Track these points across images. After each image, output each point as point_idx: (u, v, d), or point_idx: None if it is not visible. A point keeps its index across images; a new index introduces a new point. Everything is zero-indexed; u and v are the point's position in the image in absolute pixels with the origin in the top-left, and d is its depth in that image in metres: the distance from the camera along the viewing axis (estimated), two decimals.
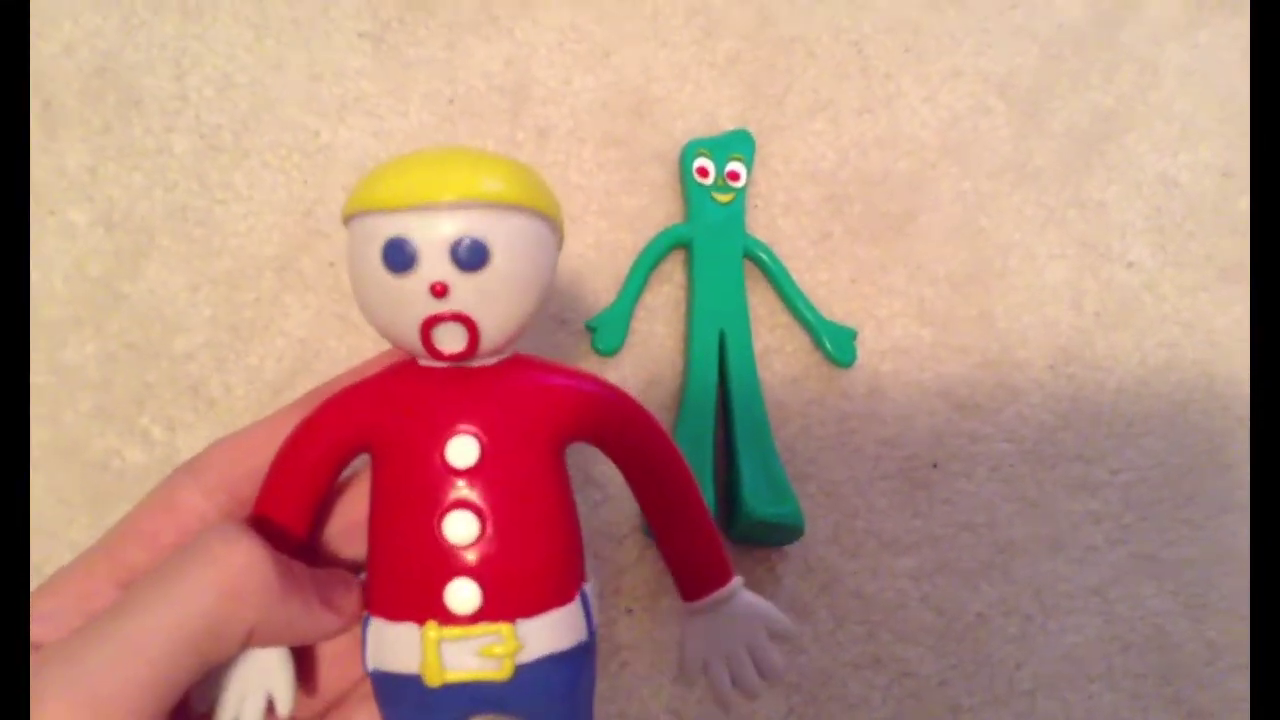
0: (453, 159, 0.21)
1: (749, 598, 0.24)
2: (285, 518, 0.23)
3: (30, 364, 0.37)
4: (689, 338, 0.41)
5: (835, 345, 0.42)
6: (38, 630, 0.21)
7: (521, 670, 0.21)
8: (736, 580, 0.24)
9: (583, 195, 0.43)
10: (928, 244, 0.45)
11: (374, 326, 0.22)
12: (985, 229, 0.45)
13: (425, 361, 0.22)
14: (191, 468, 0.24)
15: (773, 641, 0.24)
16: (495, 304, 0.21)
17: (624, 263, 0.42)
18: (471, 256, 0.21)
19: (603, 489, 0.39)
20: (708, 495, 0.37)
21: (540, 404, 0.22)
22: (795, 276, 0.43)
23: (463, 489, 0.21)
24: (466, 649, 0.21)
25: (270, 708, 0.22)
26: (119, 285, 0.39)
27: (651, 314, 0.42)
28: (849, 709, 0.38)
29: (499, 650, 0.21)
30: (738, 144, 0.44)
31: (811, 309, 0.42)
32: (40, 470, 0.36)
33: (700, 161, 0.43)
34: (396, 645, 0.21)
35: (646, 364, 0.41)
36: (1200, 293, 0.46)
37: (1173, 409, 0.44)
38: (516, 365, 0.23)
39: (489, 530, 0.21)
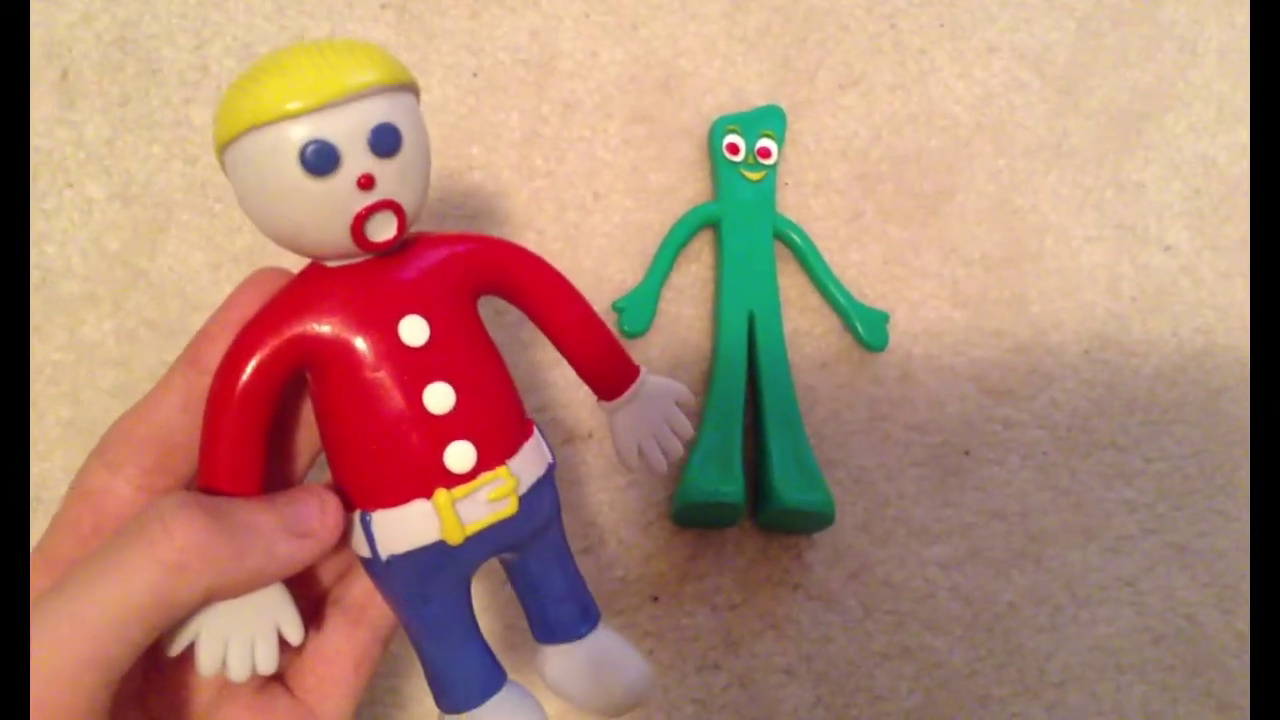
0: (333, 53, 0.21)
1: (654, 379, 0.27)
2: (238, 463, 0.22)
3: (49, 340, 0.37)
4: (717, 319, 0.40)
5: (867, 329, 0.41)
6: None
7: (522, 501, 0.23)
8: (644, 370, 0.27)
9: (609, 172, 0.42)
10: (961, 224, 0.44)
11: (284, 241, 0.22)
12: (1020, 209, 0.44)
13: (335, 262, 0.22)
14: (97, 450, 0.24)
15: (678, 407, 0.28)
16: (412, 184, 0.22)
17: (651, 242, 0.41)
18: (389, 142, 0.21)
19: (628, 475, 0.39)
20: (736, 481, 0.36)
21: (456, 271, 0.24)
22: (827, 257, 0.42)
23: (427, 364, 0.22)
24: (476, 501, 0.23)
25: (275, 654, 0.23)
26: (137, 261, 0.38)
27: (679, 294, 0.41)
28: (876, 699, 0.38)
29: (504, 490, 0.23)
30: (769, 120, 0.43)
31: (843, 291, 0.41)
32: (60, 448, 0.36)
33: (730, 138, 0.42)
34: (410, 524, 0.22)
35: (674, 346, 0.40)
36: (1236, 277, 0.45)
37: (1207, 396, 0.43)
38: (421, 243, 0.24)
39: (461, 393, 0.22)
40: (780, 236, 0.42)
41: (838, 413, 0.41)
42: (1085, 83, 0.47)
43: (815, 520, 0.37)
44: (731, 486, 0.36)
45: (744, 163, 0.42)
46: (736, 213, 0.41)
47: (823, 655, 0.38)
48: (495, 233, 0.41)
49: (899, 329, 0.42)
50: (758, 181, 0.42)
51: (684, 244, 0.41)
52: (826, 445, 0.40)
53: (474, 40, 0.43)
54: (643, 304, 0.40)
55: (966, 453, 0.41)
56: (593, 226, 0.41)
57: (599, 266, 0.41)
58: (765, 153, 0.42)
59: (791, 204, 0.43)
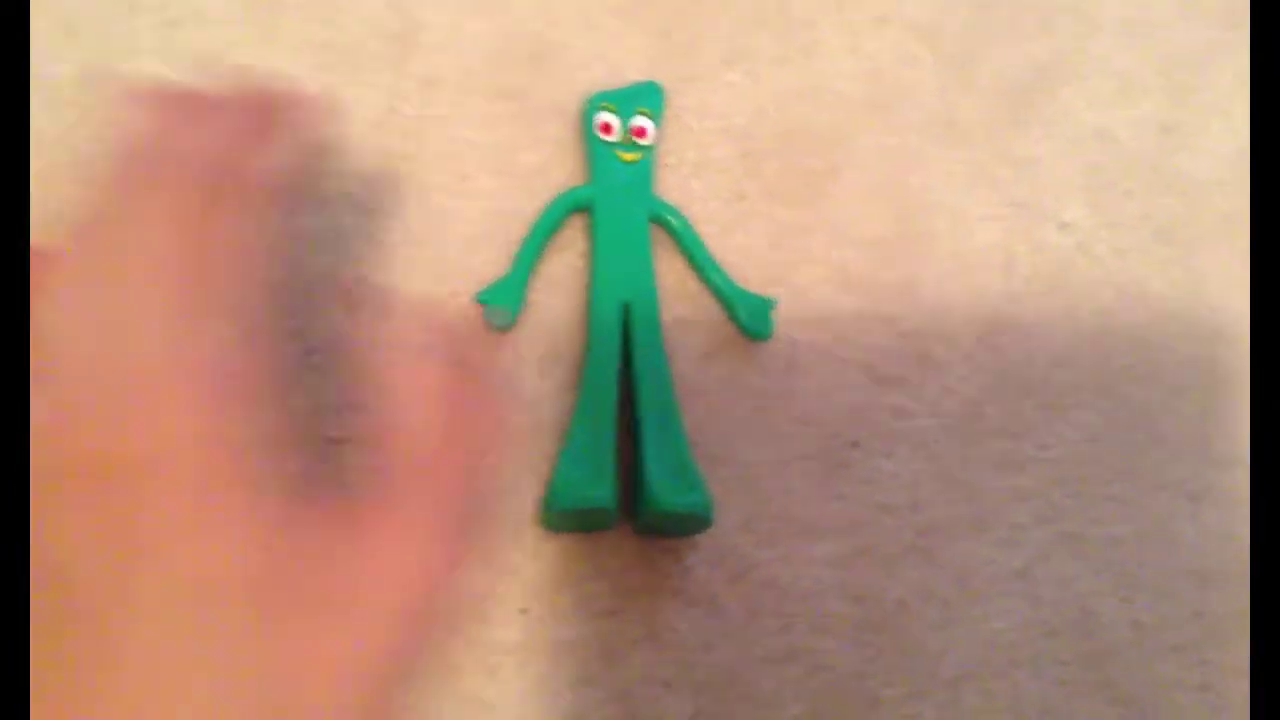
0: None
1: None
2: None
3: None
4: (590, 311, 0.38)
5: (751, 317, 0.39)
6: None
7: None
8: None
9: (475, 153, 0.39)
10: (850, 205, 0.42)
11: None
12: (911, 188, 0.42)
13: None
14: None
15: None
16: None
17: (520, 229, 0.38)
18: None
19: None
20: (608, 485, 0.34)
21: None
22: (709, 241, 0.40)
23: None
24: None
25: None
26: None
27: (549, 284, 0.38)
28: (760, 707, 0.36)
29: None
30: (645, 97, 0.40)
31: (725, 277, 0.39)
32: None
33: (603, 116, 0.39)
34: None
35: (544, 340, 0.38)
36: (1136, 254, 0.44)
37: (1105, 380, 0.42)
38: None
39: None
40: (658, 221, 0.39)
41: (720, 406, 0.39)
42: (979, 56, 0.45)
43: (693, 523, 0.35)
44: (602, 490, 0.34)
45: (619, 143, 0.39)
46: (610, 196, 0.39)
47: (704, 664, 0.36)
48: (351, 220, 0.39)
49: (785, 316, 0.40)
50: (633, 163, 0.39)
51: (553, 231, 0.38)
52: (708, 441, 0.38)
53: (325, 11, 0.39)
54: (508, 296, 0.37)
55: (855, 444, 0.39)
56: (457, 212, 0.39)
57: (464, 255, 0.39)
58: (641, 132, 0.39)
59: (672, 185, 0.41)
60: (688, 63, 0.42)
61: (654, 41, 0.42)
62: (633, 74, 0.41)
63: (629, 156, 0.39)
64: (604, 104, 0.40)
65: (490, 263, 0.38)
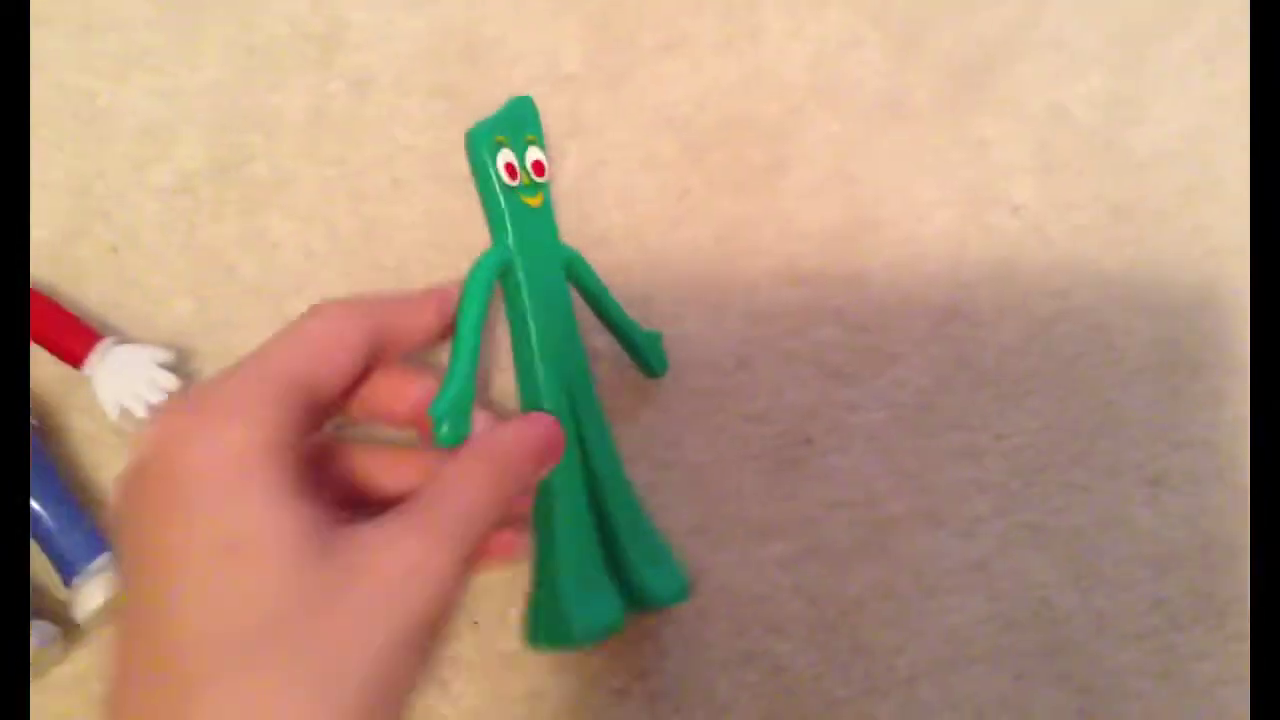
0: None
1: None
2: None
3: None
4: (532, 402, 0.33)
5: (654, 355, 0.37)
6: None
7: None
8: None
9: (411, 156, 0.38)
10: (797, 196, 0.41)
11: None
12: (859, 176, 0.41)
13: None
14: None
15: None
16: None
17: (463, 233, 0.37)
18: None
19: None
20: (619, 605, 0.32)
21: None
22: (656, 239, 0.39)
23: None
24: None
25: None
26: None
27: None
28: (718, 712, 0.36)
29: None
30: (526, 120, 0.35)
31: (626, 318, 0.36)
32: None
33: (505, 156, 0.34)
34: None
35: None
36: (1090, 235, 0.43)
37: (1061, 365, 0.41)
38: None
39: None
40: (568, 270, 0.35)
41: (669, 407, 0.38)
42: (926, 35, 0.44)
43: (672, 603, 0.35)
44: (617, 615, 0.32)
45: (522, 186, 0.34)
46: (528, 255, 0.33)
47: (658, 670, 0.36)
48: (279, 230, 0.37)
49: (736, 310, 0.39)
50: (538, 207, 0.34)
51: (484, 316, 0.31)
52: (658, 445, 0.37)
53: (248, 11, 0.38)
54: (460, 409, 0.29)
55: (808, 441, 0.38)
56: (394, 218, 0.38)
57: (402, 264, 0.38)
58: (539, 168, 0.34)
59: (616, 182, 0.39)
60: (627, 52, 0.41)
61: (591, 31, 0.41)
62: (571, 65, 0.40)
63: (534, 201, 0.34)
64: (499, 138, 0.34)
65: (436, 268, 0.37)
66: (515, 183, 0.34)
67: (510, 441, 0.29)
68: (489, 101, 0.39)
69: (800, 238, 0.40)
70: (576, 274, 0.35)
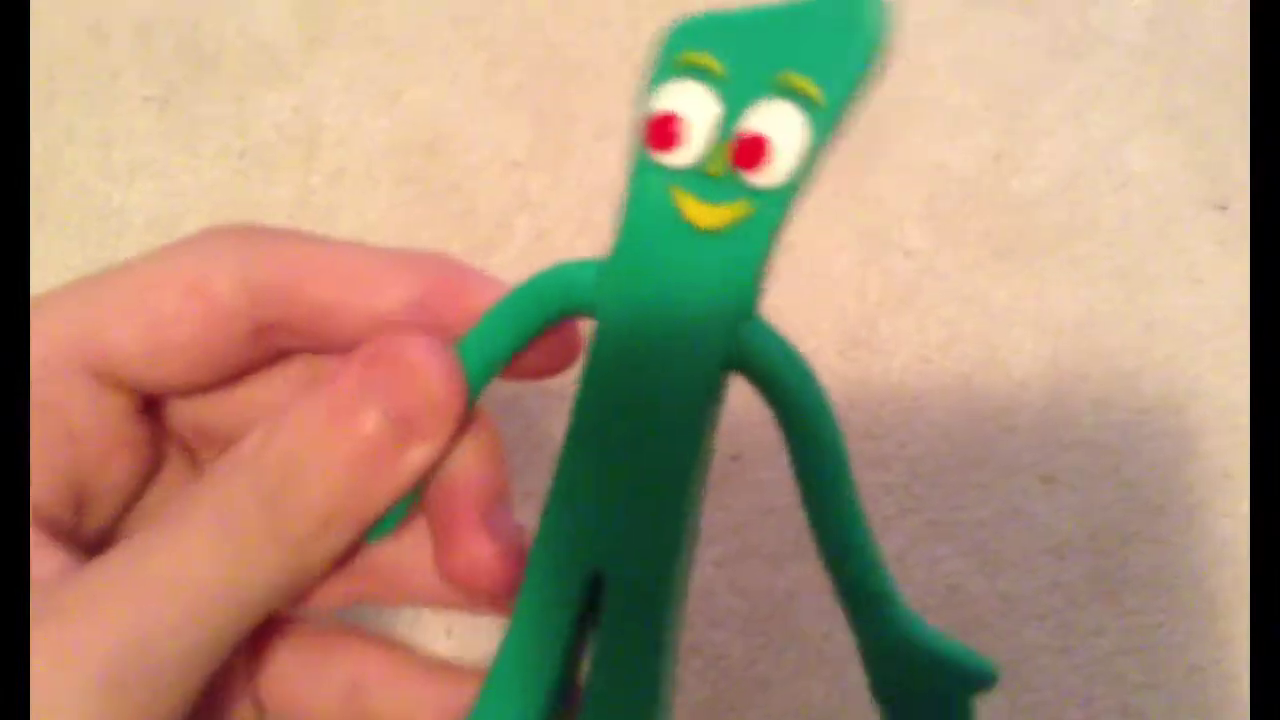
0: None
1: None
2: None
3: None
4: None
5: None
6: None
7: None
8: None
9: (379, 236, 0.45)
10: None
11: None
12: None
13: None
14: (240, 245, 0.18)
15: None
16: None
17: None
18: None
19: None
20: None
21: None
22: None
23: None
24: None
25: None
26: None
27: None
28: None
29: None
30: (797, 36, 0.18)
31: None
32: None
33: (669, 96, 0.19)
34: None
35: None
36: (977, 270, 0.49)
37: (955, 380, 0.47)
38: None
39: None
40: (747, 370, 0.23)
41: None
42: None
43: None
44: None
45: (693, 172, 0.20)
46: (628, 309, 0.21)
47: None
48: None
49: None
50: (716, 232, 0.20)
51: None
52: None
53: (239, 122, 0.45)
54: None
55: (735, 458, 0.44)
56: None
57: None
58: (754, 148, 0.18)
59: (558, 248, 0.46)
60: (565, 138, 0.48)
61: (532, 122, 0.48)
62: (518, 153, 0.47)
63: (711, 215, 0.19)
64: (688, 55, 0.18)
65: None
66: (674, 159, 0.19)
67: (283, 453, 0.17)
68: (448, 183, 0.46)
69: None
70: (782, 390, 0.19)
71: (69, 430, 0.17)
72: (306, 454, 0.17)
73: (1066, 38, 0.55)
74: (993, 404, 0.47)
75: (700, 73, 0.18)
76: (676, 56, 0.18)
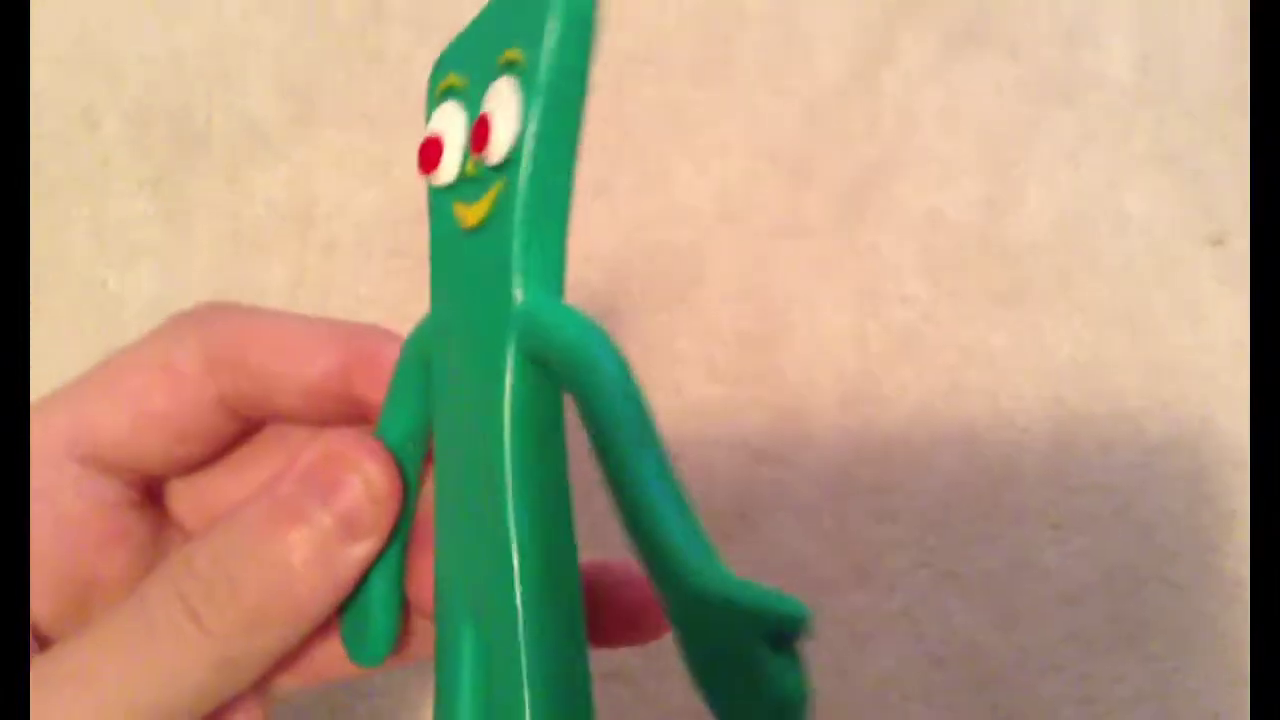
0: None
1: None
2: None
3: None
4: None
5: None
6: None
7: None
8: None
9: (373, 309, 0.45)
10: (713, 307, 0.47)
11: None
12: (766, 286, 0.48)
13: None
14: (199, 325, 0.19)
15: None
16: None
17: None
18: None
19: None
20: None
21: None
22: None
23: None
24: None
25: None
26: None
27: None
28: None
29: None
30: (509, 24, 0.19)
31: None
32: None
33: (442, 120, 0.20)
34: None
35: None
36: (977, 317, 0.49)
37: (960, 429, 0.47)
38: None
39: None
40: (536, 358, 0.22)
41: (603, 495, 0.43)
42: (815, 164, 0.51)
43: None
44: None
45: (458, 183, 0.21)
46: (450, 334, 0.23)
47: None
48: None
49: (663, 410, 0.45)
50: (475, 229, 0.20)
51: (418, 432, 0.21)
52: (599, 531, 0.42)
53: (232, 202, 0.45)
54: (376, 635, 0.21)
55: (741, 516, 0.44)
56: None
57: None
58: (481, 134, 0.18)
59: None
60: None
61: None
62: None
63: (469, 212, 0.18)
64: (447, 79, 0.19)
65: None
66: (439, 177, 0.19)
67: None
68: None
69: (719, 343, 0.46)
70: (552, 365, 0.18)
71: (59, 516, 0.18)
72: (240, 556, 0.17)
73: (1055, 82, 0.55)
74: (998, 451, 0.46)
75: (451, 92, 0.19)
76: (436, 88, 0.19)
